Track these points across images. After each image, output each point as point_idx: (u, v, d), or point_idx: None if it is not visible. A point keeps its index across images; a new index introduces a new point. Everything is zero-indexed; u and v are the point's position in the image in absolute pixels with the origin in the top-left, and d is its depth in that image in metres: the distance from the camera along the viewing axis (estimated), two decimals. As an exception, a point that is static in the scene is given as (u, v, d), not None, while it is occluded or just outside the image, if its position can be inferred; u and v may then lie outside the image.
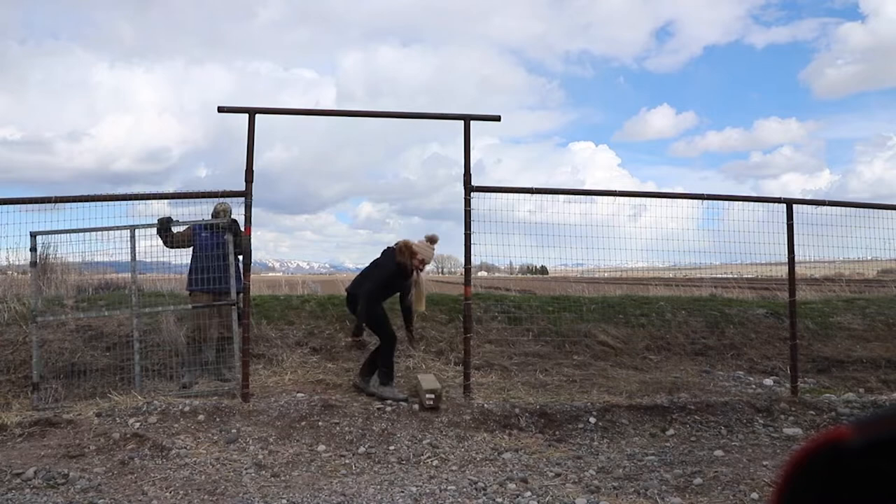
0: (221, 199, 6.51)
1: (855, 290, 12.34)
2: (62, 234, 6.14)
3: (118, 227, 6.21)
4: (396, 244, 6.25)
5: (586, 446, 5.10)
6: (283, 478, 4.35)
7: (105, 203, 6.10)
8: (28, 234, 6.02)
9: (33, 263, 6.08)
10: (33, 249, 6.04)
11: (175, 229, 6.48)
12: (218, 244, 6.45)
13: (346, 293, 6.50)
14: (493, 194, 6.22)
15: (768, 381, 7.25)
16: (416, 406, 5.60)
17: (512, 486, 4.22)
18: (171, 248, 6.51)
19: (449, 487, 4.18)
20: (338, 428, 5.19)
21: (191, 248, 6.66)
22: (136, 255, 6.25)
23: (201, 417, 5.29)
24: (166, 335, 7.05)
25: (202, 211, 6.46)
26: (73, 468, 4.40)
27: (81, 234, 6.16)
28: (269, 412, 5.40)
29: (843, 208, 6.81)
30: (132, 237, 6.20)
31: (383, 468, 4.55)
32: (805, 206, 6.61)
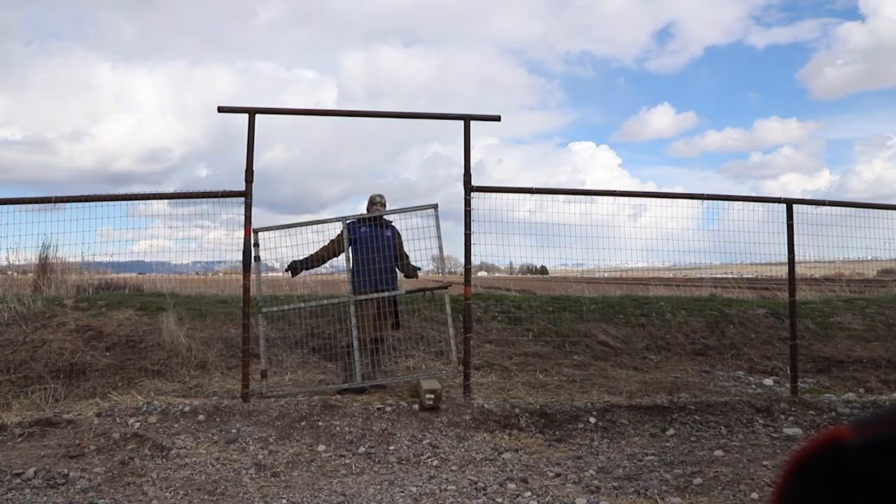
0: (376, 192, 6.65)
1: (855, 290, 12.34)
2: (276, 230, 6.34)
3: (331, 220, 6.51)
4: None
5: (586, 446, 5.10)
6: (283, 478, 4.34)
7: (105, 203, 6.11)
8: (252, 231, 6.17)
9: (256, 258, 6.13)
10: (256, 245, 6.11)
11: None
12: (379, 238, 6.36)
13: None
14: (494, 194, 6.22)
15: (768, 381, 7.25)
16: (416, 406, 5.60)
17: (512, 486, 4.22)
18: (324, 263, 6.60)
19: (449, 487, 4.18)
20: (338, 428, 5.19)
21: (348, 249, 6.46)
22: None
23: (201, 417, 5.29)
24: (167, 335, 7.06)
25: (202, 211, 6.44)
26: (73, 468, 4.40)
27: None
28: (269, 412, 5.40)
29: (843, 208, 6.81)
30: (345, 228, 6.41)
31: (383, 468, 4.55)
32: (805, 206, 6.61)
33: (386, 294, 6.33)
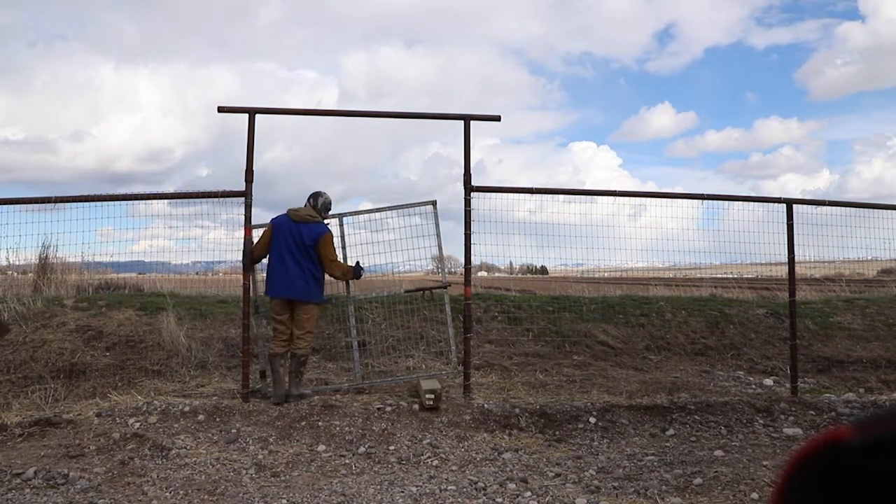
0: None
1: (855, 290, 12.35)
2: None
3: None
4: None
5: (586, 446, 5.10)
6: (283, 478, 4.34)
7: (105, 203, 6.11)
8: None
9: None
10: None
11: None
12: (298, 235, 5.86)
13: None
14: (494, 194, 6.22)
15: (768, 381, 7.25)
16: (416, 406, 5.60)
17: (512, 486, 4.21)
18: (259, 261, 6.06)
19: (449, 487, 4.18)
20: (338, 428, 5.19)
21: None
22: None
23: (201, 417, 5.29)
24: (167, 335, 7.06)
25: (202, 211, 6.45)
26: (73, 468, 4.40)
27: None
28: (269, 412, 5.40)
29: (843, 208, 6.81)
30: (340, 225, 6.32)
31: (383, 468, 4.55)
32: (805, 206, 6.61)
33: None
